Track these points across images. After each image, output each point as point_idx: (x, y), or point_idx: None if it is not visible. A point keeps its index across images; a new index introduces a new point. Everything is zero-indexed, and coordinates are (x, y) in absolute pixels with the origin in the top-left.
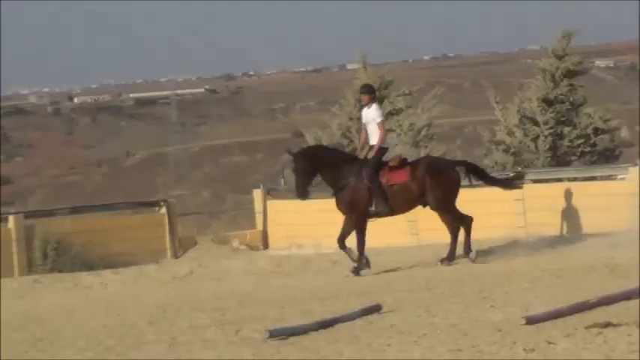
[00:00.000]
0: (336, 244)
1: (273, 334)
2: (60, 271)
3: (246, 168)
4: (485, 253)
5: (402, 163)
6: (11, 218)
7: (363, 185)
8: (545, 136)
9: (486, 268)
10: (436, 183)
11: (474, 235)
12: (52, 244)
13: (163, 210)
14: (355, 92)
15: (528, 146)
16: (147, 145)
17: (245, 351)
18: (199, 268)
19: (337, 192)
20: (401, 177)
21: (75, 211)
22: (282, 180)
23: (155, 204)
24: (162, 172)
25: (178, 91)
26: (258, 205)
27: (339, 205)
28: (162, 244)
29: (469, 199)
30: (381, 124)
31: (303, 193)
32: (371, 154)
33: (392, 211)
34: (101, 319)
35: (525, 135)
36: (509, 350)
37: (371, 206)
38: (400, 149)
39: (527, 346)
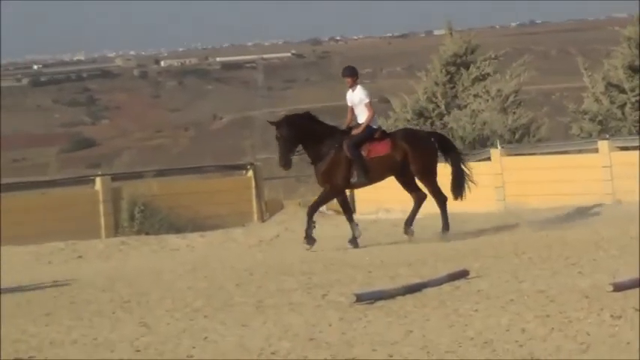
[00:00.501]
0: (423, 210)
1: (360, 298)
2: (147, 234)
3: None
4: (571, 219)
5: (382, 135)
6: (98, 180)
7: (343, 157)
8: (632, 103)
9: (574, 235)
10: (418, 153)
11: (564, 200)
12: (139, 206)
13: (250, 173)
14: (442, 58)
15: (615, 114)
16: (233, 109)
17: (332, 315)
18: (286, 232)
19: (316, 162)
20: (383, 149)
21: (162, 173)
22: None
23: (242, 167)
24: (248, 135)
25: (265, 56)
26: None
27: (316, 174)
28: (249, 208)
29: (555, 165)
30: (369, 105)
31: (286, 163)
32: (357, 131)
33: (370, 182)
34: (188, 281)
35: (612, 102)
36: (597, 317)
37: (352, 177)
38: (487, 115)
39: (614, 312)
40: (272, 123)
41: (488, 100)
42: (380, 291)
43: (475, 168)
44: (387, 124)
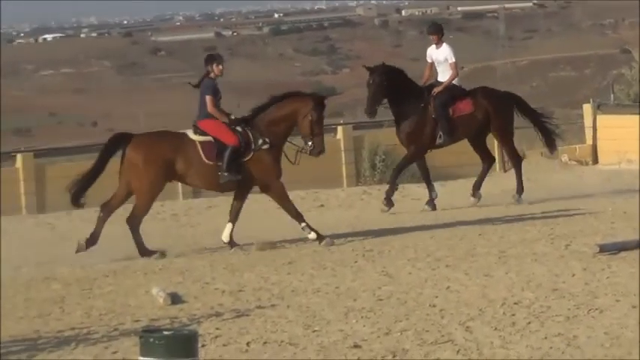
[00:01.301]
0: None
1: (604, 249)
2: (388, 183)
3: (574, 83)
4: None
5: (463, 93)
6: (340, 129)
7: (429, 117)
8: None
9: None
10: (500, 111)
11: None
12: (379, 155)
13: None
14: None
15: None
16: (474, 59)
17: (575, 265)
18: (528, 182)
19: (399, 120)
20: (466, 107)
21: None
22: (611, 95)
23: None
24: (490, 85)
25: (506, 5)
26: (587, 120)
27: (399, 134)
28: None
29: None
30: (455, 64)
31: (371, 111)
32: (439, 90)
33: (455, 142)
34: (430, 231)
35: None
36: None
37: (439, 138)
38: None
39: None
40: (367, 68)
41: None
42: (624, 242)
43: None
44: (631, 74)
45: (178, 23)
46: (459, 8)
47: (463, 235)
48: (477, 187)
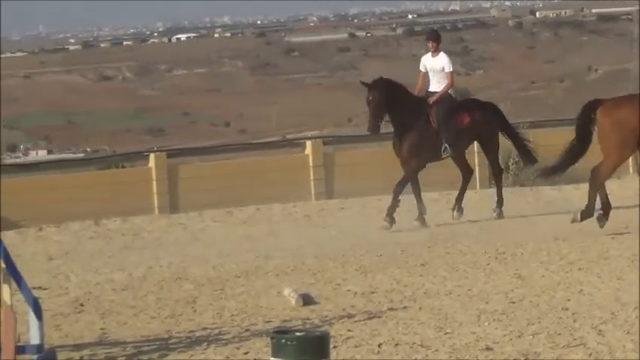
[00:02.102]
0: None
1: None
2: (521, 185)
3: None
4: None
5: (457, 105)
6: None
7: (431, 130)
8: None
9: None
10: (491, 122)
11: None
12: (513, 158)
13: None
14: None
15: None
16: (608, 61)
17: None
18: None
19: (400, 133)
20: (464, 119)
21: (534, 125)
22: None
23: None
24: (624, 87)
25: None
26: None
27: (399, 147)
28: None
29: None
30: (452, 74)
31: (375, 128)
32: (434, 99)
33: (457, 154)
34: (563, 233)
35: None
36: None
37: (443, 151)
38: None
39: None
40: (364, 84)
41: None
42: None
43: None
44: None
45: (312, 24)
46: (594, 10)
47: (595, 238)
48: (459, 201)
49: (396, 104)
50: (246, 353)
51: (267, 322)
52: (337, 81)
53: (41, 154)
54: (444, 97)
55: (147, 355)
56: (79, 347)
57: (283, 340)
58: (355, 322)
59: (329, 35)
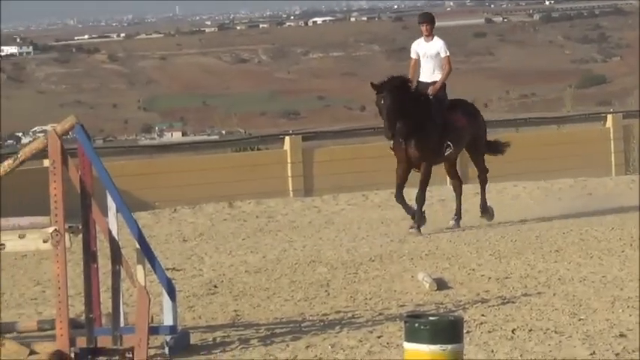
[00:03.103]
0: None
1: None
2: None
3: None
4: None
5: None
6: (609, 117)
7: (436, 130)
8: None
9: None
10: (480, 123)
11: None
12: None
13: None
14: None
15: None
16: None
17: None
18: None
19: (411, 135)
20: (461, 120)
21: None
22: None
23: None
24: None
25: None
26: None
27: (405, 151)
28: None
29: None
30: (449, 59)
31: (392, 134)
32: (434, 91)
33: (458, 154)
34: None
35: None
36: None
37: (446, 149)
38: None
39: None
40: (373, 86)
41: None
42: None
43: None
44: None
45: (449, 9)
46: None
47: None
48: (458, 210)
49: (407, 105)
50: (379, 337)
51: (401, 306)
52: (473, 66)
53: (176, 136)
54: (441, 88)
55: (280, 338)
56: (211, 329)
57: (417, 325)
58: (489, 307)
59: (465, 20)
